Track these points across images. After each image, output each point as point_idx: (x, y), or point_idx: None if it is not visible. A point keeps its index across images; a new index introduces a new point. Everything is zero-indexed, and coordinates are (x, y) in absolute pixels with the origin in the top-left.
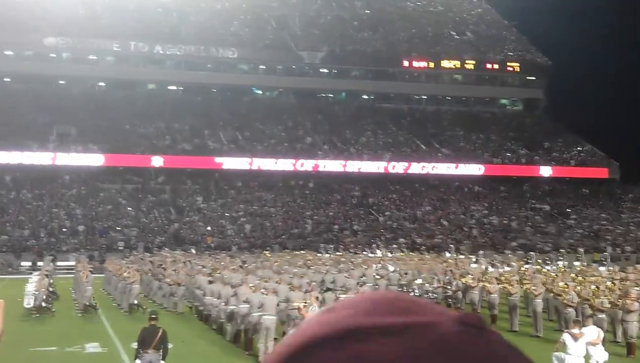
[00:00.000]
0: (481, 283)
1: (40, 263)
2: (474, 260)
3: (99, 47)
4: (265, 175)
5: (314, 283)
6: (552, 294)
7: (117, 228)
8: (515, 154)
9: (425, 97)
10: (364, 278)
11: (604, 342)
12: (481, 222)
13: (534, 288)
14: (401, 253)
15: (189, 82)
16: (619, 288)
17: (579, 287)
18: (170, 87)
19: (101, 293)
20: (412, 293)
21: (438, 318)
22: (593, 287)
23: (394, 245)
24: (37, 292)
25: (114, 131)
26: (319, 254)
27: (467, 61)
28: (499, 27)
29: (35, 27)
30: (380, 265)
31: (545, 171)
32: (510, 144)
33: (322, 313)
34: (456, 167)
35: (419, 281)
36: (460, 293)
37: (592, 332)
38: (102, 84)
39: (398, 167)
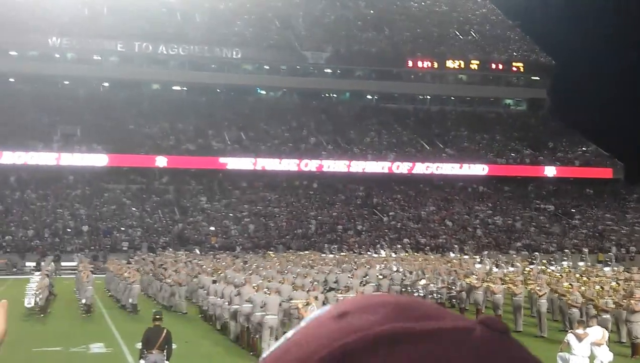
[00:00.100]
0: (485, 284)
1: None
2: (478, 260)
3: (103, 47)
4: (269, 175)
5: (315, 283)
6: (556, 294)
7: (121, 228)
8: (520, 154)
9: (430, 97)
10: (366, 278)
11: (608, 342)
12: (485, 222)
13: (538, 288)
14: (405, 254)
15: (193, 82)
16: (624, 289)
17: (583, 288)
18: (174, 88)
19: (104, 293)
20: (416, 294)
21: (464, 323)
22: (597, 287)
23: (398, 246)
24: (37, 292)
25: (118, 131)
26: (323, 254)
27: (471, 61)
28: (504, 27)
29: (39, 28)
30: (383, 265)
31: (550, 171)
32: (515, 144)
33: (335, 320)
34: (460, 167)
35: (423, 281)
36: (464, 294)
37: (596, 333)
38: (106, 84)
39: (402, 167)
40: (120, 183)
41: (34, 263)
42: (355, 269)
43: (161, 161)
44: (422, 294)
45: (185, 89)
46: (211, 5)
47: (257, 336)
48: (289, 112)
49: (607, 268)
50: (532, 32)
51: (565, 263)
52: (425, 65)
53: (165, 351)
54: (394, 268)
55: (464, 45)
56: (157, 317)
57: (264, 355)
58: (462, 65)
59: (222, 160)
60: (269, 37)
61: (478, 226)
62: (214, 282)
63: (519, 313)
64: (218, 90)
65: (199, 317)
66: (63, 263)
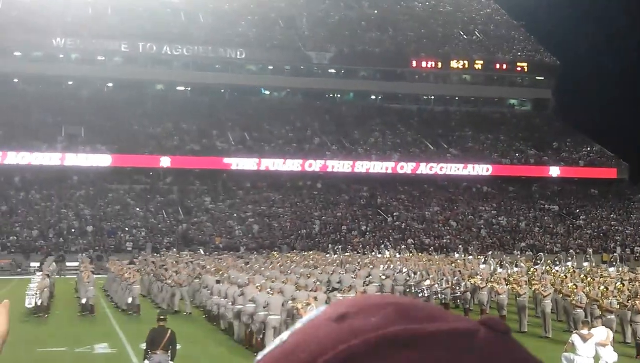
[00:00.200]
0: (490, 284)
1: (53, 264)
2: (482, 260)
3: (107, 47)
4: (273, 175)
5: (318, 283)
6: (560, 295)
7: (126, 228)
8: (524, 154)
9: (434, 97)
10: (369, 278)
11: (613, 342)
12: (490, 222)
13: (542, 289)
14: (409, 254)
15: (196, 82)
16: (628, 289)
17: (587, 288)
18: (178, 88)
19: (105, 294)
20: (420, 294)
21: (466, 324)
22: (602, 287)
23: (402, 246)
24: (37, 293)
25: (122, 131)
26: (327, 254)
27: (475, 61)
28: (508, 27)
29: (43, 28)
30: (386, 266)
31: (554, 171)
32: (519, 144)
33: (335, 322)
34: (465, 168)
35: (427, 282)
36: (468, 294)
37: (601, 333)
38: (110, 84)
39: (406, 168)
40: (124, 184)
41: (38, 264)
42: (359, 269)
43: (165, 161)
44: (426, 294)
45: (189, 89)
46: (215, 5)
47: (260, 336)
48: (292, 113)
49: (611, 269)
50: (536, 32)
51: (569, 263)
52: (429, 65)
53: (169, 351)
54: (403, 269)
55: (468, 45)
56: (162, 317)
57: (259, 357)
58: (466, 65)
59: (226, 160)
60: (272, 37)
61: (482, 226)
62: (218, 282)
63: (524, 314)
64: (222, 91)
65: (203, 317)
66: (68, 264)
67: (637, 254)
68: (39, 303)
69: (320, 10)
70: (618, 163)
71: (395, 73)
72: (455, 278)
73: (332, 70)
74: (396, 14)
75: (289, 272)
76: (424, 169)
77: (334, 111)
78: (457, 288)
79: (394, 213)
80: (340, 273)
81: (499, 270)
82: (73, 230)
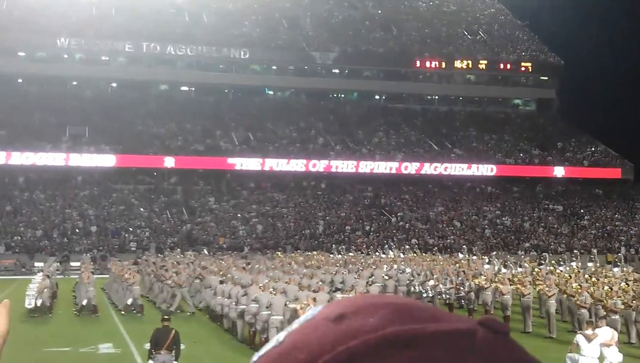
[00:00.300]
0: (494, 285)
1: (55, 264)
2: (486, 261)
3: (111, 47)
4: (277, 175)
5: (320, 283)
6: (565, 295)
7: (130, 229)
8: (528, 154)
9: (438, 97)
10: (372, 278)
11: (618, 343)
12: (494, 222)
13: (547, 289)
14: (413, 254)
15: (200, 82)
16: (633, 289)
17: (592, 288)
18: (182, 88)
19: (100, 293)
20: (424, 295)
21: (465, 325)
22: (606, 287)
23: (406, 246)
24: (37, 293)
25: (126, 132)
26: (331, 255)
27: (479, 61)
28: (512, 27)
29: (47, 29)
30: (389, 266)
31: (559, 171)
32: (523, 144)
33: (333, 322)
34: (469, 168)
35: (431, 282)
36: (473, 295)
37: (605, 333)
38: (114, 84)
39: (410, 168)
40: (128, 184)
41: (42, 264)
42: (361, 270)
43: (169, 161)
44: (430, 295)
45: (193, 89)
46: (219, 6)
47: (264, 335)
48: (296, 113)
49: (616, 269)
50: (540, 31)
51: (574, 263)
52: (433, 65)
53: (173, 351)
54: (407, 270)
55: (472, 45)
56: (166, 317)
57: (255, 357)
58: (471, 65)
59: (230, 160)
60: (276, 37)
61: (486, 226)
62: (221, 282)
63: (528, 314)
64: (226, 91)
65: (205, 317)
66: (72, 264)
67: None
68: (38, 304)
69: (324, 11)
70: (623, 163)
71: (399, 73)
72: (460, 278)
73: (336, 71)
74: (400, 14)
75: (292, 272)
76: (428, 169)
77: (338, 111)
78: (461, 288)
79: (398, 214)
80: (343, 273)
81: (503, 270)
82: (77, 230)
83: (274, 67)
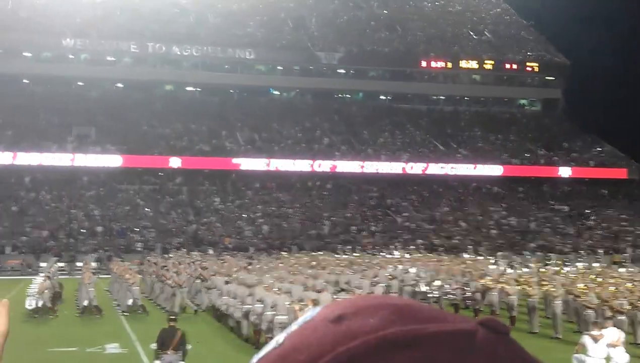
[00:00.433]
0: (500, 285)
1: (60, 264)
2: (492, 261)
3: (117, 48)
4: (282, 176)
5: (324, 283)
6: (571, 296)
7: (135, 229)
8: (534, 154)
9: (443, 97)
10: (376, 278)
11: (624, 343)
12: (500, 223)
13: (553, 289)
14: (419, 255)
15: (206, 83)
16: (639, 290)
17: (598, 289)
18: (187, 88)
19: (105, 294)
20: (430, 295)
21: (465, 325)
22: (612, 288)
23: (412, 247)
24: (38, 294)
25: (132, 132)
26: (336, 255)
27: (485, 61)
28: (518, 27)
29: (52, 29)
30: (393, 267)
31: (564, 172)
32: (529, 145)
33: (332, 323)
34: (474, 168)
35: (437, 282)
36: (478, 295)
37: (612, 334)
38: (119, 85)
39: (416, 168)
40: (134, 184)
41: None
42: (366, 270)
43: (175, 162)
44: (436, 295)
45: (198, 89)
46: (224, 6)
47: (269, 335)
48: (302, 113)
49: (622, 269)
50: (546, 31)
51: (580, 264)
52: (438, 66)
53: (180, 352)
54: (413, 270)
55: (477, 45)
56: (172, 317)
57: (254, 360)
58: (476, 66)
59: (235, 160)
60: (281, 37)
61: (492, 227)
62: (227, 282)
63: (534, 315)
64: (231, 91)
65: (208, 316)
66: (78, 264)
67: None
68: (39, 304)
69: (329, 11)
70: (629, 163)
71: (404, 73)
72: (465, 279)
73: (342, 71)
74: (405, 14)
75: (297, 272)
76: (434, 169)
77: (344, 111)
78: (467, 289)
79: (404, 214)
80: (348, 274)
81: (509, 271)
82: (83, 230)
83: (279, 68)
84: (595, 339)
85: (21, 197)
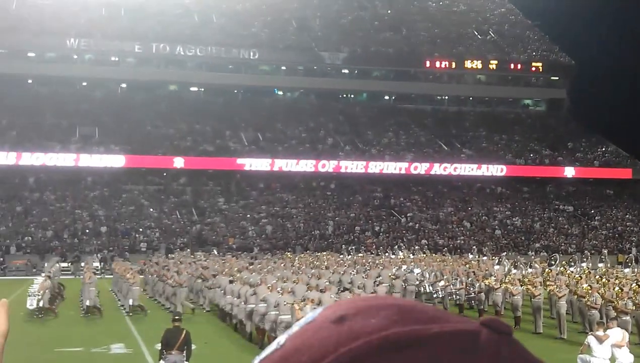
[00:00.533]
0: (504, 285)
1: (64, 264)
2: (496, 261)
3: (121, 48)
4: (286, 176)
5: (327, 283)
6: (576, 296)
7: (140, 229)
8: (539, 154)
9: (448, 97)
10: (380, 278)
11: (629, 344)
12: (504, 223)
13: (557, 290)
14: (423, 255)
15: (210, 83)
16: None
17: (603, 289)
18: (191, 89)
19: (110, 294)
20: (434, 295)
21: (468, 326)
22: (617, 288)
23: (416, 247)
24: (39, 294)
25: (136, 132)
26: (340, 255)
27: (490, 61)
28: (522, 27)
29: (57, 29)
30: (396, 267)
31: (569, 172)
32: (534, 145)
33: (334, 324)
34: (479, 168)
35: (441, 283)
36: (483, 295)
37: (616, 334)
38: (123, 85)
39: (420, 168)
40: (138, 185)
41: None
42: (369, 270)
43: (179, 162)
44: (441, 295)
45: (202, 90)
46: (228, 6)
47: (273, 335)
48: (306, 113)
49: (627, 270)
50: (551, 31)
51: (584, 264)
52: (443, 66)
53: (185, 352)
54: (417, 271)
55: (482, 45)
56: (177, 317)
57: (255, 362)
58: (481, 66)
59: (239, 161)
60: (285, 38)
61: (497, 227)
62: (231, 282)
63: (539, 315)
64: (235, 91)
65: (215, 317)
66: (83, 264)
67: None
68: (40, 304)
69: (333, 11)
70: (633, 163)
71: (408, 73)
72: (470, 279)
73: (346, 71)
74: (409, 14)
75: (301, 272)
76: (438, 169)
77: (348, 112)
78: (471, 289)
79: (408, 214)
80: (351, 273)
81: (514, 271)
82: (87, 230)
83: (283, 68)
84: (600, 339)
85: (25, 197)
